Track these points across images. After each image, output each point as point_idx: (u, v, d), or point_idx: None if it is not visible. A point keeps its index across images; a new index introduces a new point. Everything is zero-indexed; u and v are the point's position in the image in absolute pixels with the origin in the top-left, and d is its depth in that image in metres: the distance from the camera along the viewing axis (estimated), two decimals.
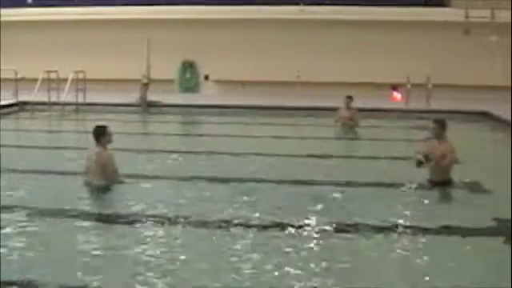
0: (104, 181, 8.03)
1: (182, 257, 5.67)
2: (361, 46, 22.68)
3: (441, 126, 8.54)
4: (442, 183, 8.38)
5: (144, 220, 6.69)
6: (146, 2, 23.95)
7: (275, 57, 23.03)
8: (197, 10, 23.59)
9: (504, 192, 7.93)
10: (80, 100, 19.47)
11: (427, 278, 5.18)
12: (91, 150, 8.25)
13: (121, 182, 8.24)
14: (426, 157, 8.32)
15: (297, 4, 23.37)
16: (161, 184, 8.69)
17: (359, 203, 7.62)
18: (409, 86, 20.25)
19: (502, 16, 21.61)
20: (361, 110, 15.32)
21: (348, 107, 14.88)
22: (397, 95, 21.73)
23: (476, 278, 5.17)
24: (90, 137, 8.34)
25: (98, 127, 8.27)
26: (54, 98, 18.91)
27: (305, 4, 23.38)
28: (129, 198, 7.65)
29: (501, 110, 16.63)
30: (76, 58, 21.81)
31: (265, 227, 6.51)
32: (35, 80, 18.92)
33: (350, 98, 14.91)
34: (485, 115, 17.66)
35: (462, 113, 17.31)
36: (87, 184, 8.13)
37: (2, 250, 5.62)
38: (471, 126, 16.03)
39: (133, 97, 20.08)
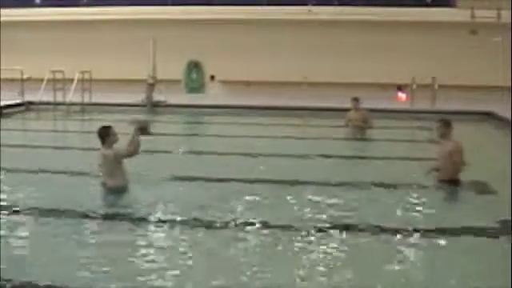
0: (112, 182, 8.00)
1: (189, 258, 5.68)
2: (366, 46, 22.67)
3: (444, 125, 8.59)
4: (450, 183, 8.40)
5: (150, 221, 6.72)
6: (152, 2, 23.99)
7: (281, 57, 23.00)
8: (202, 11, 23.59)
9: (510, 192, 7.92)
10: (86, 100, 19.53)
11: (435, 278, 5.19)
12: (99, 151, 8.21)
13: (128, 182, 8.23)
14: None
15: (304, 4, 23.34)
16: (167, 184, 8.67)
17: (365, 203, 7.63)
18: (414, 86, 20.24)
19: (509, 16, 21.52)
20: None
21: (356, 109, 14.77)
22: (402, 95, 21.70)
23: (482, 279, 5.18)
24: (96, 137, 8.33)
25: (102, 128, 8.15)
26: (59, 98, 18.99)
27: (312, 4, 23.35)
28: (136, 199, 7.70)
29: (506, 110, 16.58)
30: (82, 58, 21.91)
31: (273, 228, 6.51)
32: (41, 80, 19.01)
33: (355, 99, 14.77)
34: (489, 115, 17.62)
35: (466, 113, 17.29)
36: (99, 185, 8.12)
37: (4, 250, 5.66)
38: (476, 127, 16.00)
39: (139, 97, 20.12)
